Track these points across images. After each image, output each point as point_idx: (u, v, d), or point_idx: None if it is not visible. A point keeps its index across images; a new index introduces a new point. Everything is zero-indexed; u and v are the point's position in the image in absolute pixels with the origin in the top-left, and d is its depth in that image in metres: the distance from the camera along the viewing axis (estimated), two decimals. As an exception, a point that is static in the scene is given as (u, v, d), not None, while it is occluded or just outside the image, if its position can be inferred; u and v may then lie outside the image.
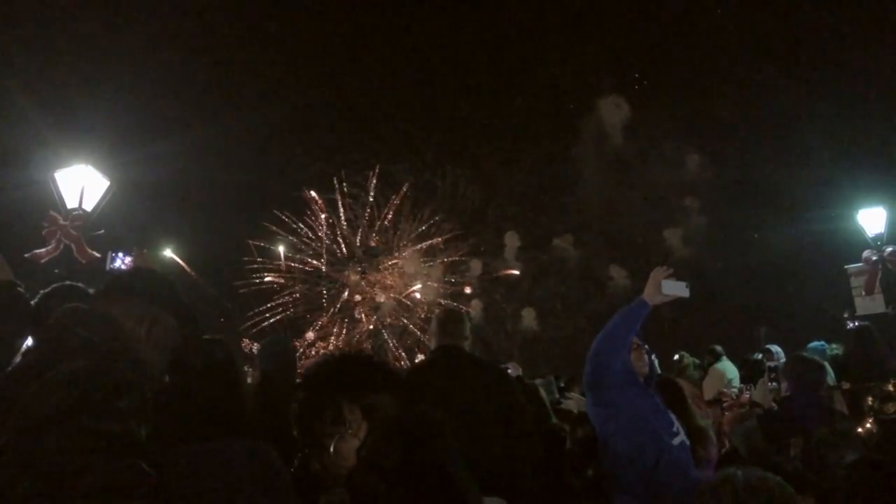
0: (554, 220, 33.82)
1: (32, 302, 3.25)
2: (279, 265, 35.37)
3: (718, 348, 10.42)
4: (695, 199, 29.82)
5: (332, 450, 2.11)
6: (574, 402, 7.49)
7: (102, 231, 9.05)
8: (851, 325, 11.80)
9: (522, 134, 33.97)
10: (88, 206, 9.13)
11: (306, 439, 2.21)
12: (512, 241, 33.90)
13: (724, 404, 7.85)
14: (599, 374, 3.66)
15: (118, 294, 1.87)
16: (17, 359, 2.25)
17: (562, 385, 9.91)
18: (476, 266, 34.23)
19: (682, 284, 3.81)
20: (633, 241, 30.78)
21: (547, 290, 33.78)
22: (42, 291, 3.41)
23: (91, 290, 3.43)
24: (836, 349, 10.13)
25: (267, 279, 34.69)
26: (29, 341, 2.99)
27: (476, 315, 32.71)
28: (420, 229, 34.66)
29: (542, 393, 6.41)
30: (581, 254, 32.64)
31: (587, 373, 3.72)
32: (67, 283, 3.55)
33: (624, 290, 28.42)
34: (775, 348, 9.41)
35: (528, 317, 32.88)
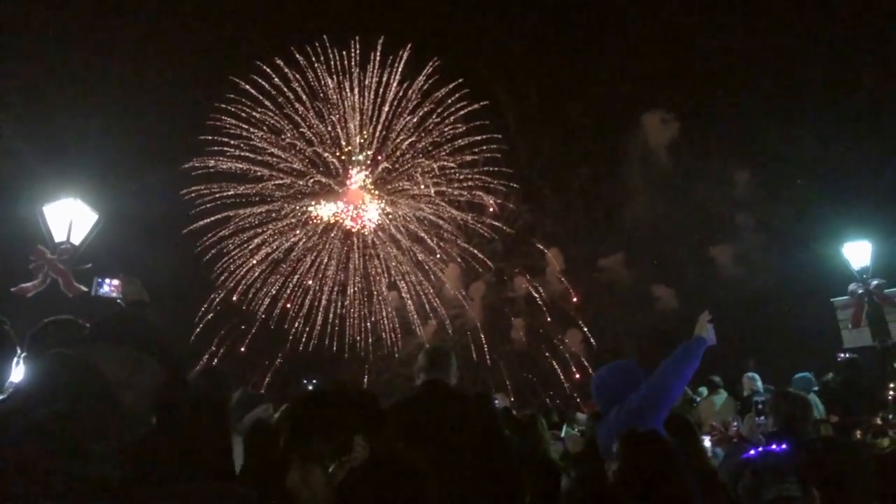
0: (598, 241, 33.48)
1: (29, 333, 3.26)
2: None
3: (717, 379, 10.36)
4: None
5: (329, 473, 2.11)
6: (571, 440, 7.34)
7: (90, 265, 9.00)
8: (841, 356, 11.85)
9: (571, 153, 33.74)
10: (76, 239, 9.10)
11: (299, 451, 2.20)
12: (555, 259, 33.48)
13: (714, 437, 7.81)
14: (661, 405, 3.81)
15: (101, 339, 1.86)
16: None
17: (555, 420, 9.78)
18: (521, 283, 33.67)
19: (713, 333, 4.09)
20: (680, 260, 30.11)
21: (595, 312, 33.15)
22: (42, 323, 3.41)
23: (81, 322, 3.44)
24: (828, 377, 10.16)
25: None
26: (13, 377, 2.98)
27: (518, 337, 32.30)
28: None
29: (542, 425, 6.33)
30: (632, 274, 32.15)
31: (645, 401, 3.80)
32: (63, 317, 3.54)
33: (672, 312, 28.26)
34: (750, 374, 9.41)
35: (574, 339, 32.41)
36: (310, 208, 34.73)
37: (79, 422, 1.50)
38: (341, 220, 35.06)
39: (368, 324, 34.37)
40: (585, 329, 32.65)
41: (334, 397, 2.44)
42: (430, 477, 2.02)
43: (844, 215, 19.02)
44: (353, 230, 35.06)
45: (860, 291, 12.26)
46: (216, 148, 32.72)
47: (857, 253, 12.49)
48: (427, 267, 34.42)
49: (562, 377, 32.17)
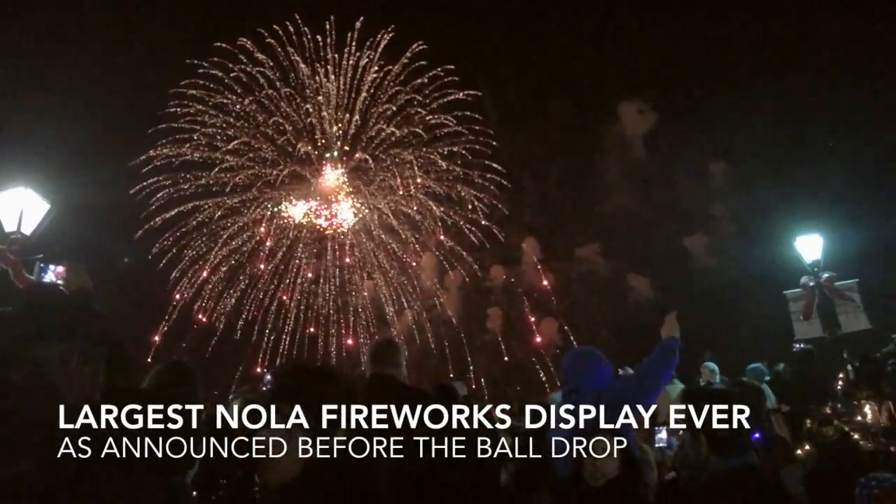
0: (576, 231, 33.44)
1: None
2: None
3: None
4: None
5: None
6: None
7: (42, 255, 8.79)
8: (796, 347, 12.12)
9: (549, 142, 33.47)
10: (27, 229, 8.88)
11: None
12: (531, 249, 33.32)
13: (670, 428, 7.95)
14: (641, 402, 3.98)
15: (40, 333, 1.80)
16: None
17: (514, 411, 9.81)
18: (498, 273, 33.34)
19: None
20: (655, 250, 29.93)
21: (571, 302, 32.94)
22: None
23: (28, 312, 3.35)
24: (779, 367, 10.37)
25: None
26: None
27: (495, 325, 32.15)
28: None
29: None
30: (609, 264, 32.03)
31: (626, 397, 3.91)
32: (6, 309, 3.45)
33: (647, 302, 28.42)
34: (710, 365, 9.57)
35: (550, 328, 32.31)
36: (280, 207, 33.37)
37: (10, 420, 1.45)
38: (313, 222, 33.77)
39: (341, 317, 33.72)
40: (561, 323, 32.61)
41: (318, 373, 2.39)
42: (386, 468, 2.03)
43: (797, 209, 19.45)
44: (326, 231, 33.97)
45: (812, 284, 12.56)
46: (177, 136, 31.34)
47: (809, 246, 12.78)
48: (404, 258, 33.89)
49: (537, 367, 32.15)
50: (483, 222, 33.20)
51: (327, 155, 33.61)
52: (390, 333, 31.46)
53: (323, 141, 33.74)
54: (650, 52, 31.35)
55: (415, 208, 33.71)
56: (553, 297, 33.39)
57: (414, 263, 33.67)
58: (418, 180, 33.44)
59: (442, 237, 33.57)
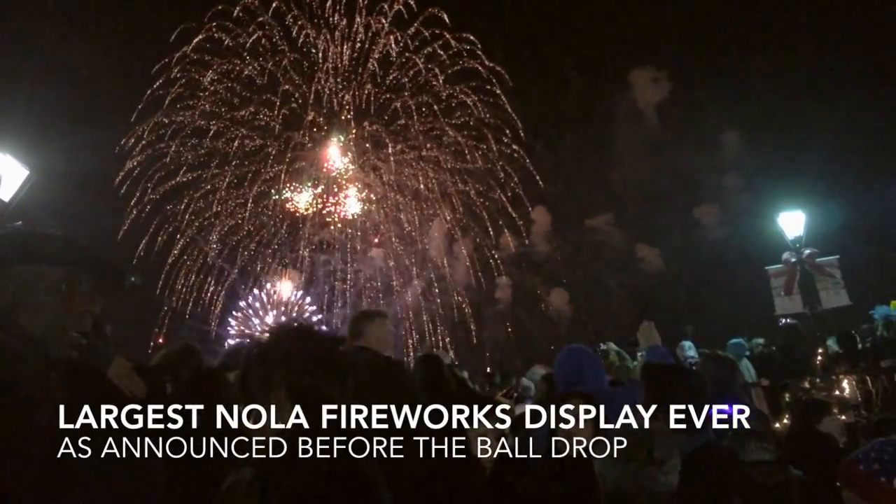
0: (587, 201, 33.02)
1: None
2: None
3: None
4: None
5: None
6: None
7: (20, 223, 8.67)
8: (783, 322, 12.21)
9: (562, 111, 33.07)
10: (5, 196, 8.75)
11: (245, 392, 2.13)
12: (542, 218, 33.32)
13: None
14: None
15: (30, 255, 1.69)
16: None
17: (496, 382, 9.81)
18: (508, 243, 33.32)
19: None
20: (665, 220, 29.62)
21: (581, 272, 32.64)
22: None
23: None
24: (760, 344, 10.46)
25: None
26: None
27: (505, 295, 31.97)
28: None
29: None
30: (620, 235, 31.89)
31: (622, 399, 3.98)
32: None
33: (657, 273, 28.22)
34: (685, 343, 9.67)
35: (559, 298, 32.10)
36: (283, 196, 32.54)
37: None
38: (319, 210, 32.85)
39: (348, 294, 33.38)
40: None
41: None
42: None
43: (780, 186, 19.54)
44: (333, 225, 33.19)
45: (793, 260, 12.64)
46: (177, 105, 30.86)
47: (791, 222, 12.84)
48: (412, 232, 33.51)
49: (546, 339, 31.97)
50: (493, 195, 32.88)
51: (334, 139, 32.65)
52: (396, 305, 31.14)
53: (328, 113, 32.92)
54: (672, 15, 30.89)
55: (429, 182, 33.29)
56: (563, 267, 33.17)
57: (423, 235, 33.35)
58: (427, 152, 32.93)
59: (451, 209, 33.25)
